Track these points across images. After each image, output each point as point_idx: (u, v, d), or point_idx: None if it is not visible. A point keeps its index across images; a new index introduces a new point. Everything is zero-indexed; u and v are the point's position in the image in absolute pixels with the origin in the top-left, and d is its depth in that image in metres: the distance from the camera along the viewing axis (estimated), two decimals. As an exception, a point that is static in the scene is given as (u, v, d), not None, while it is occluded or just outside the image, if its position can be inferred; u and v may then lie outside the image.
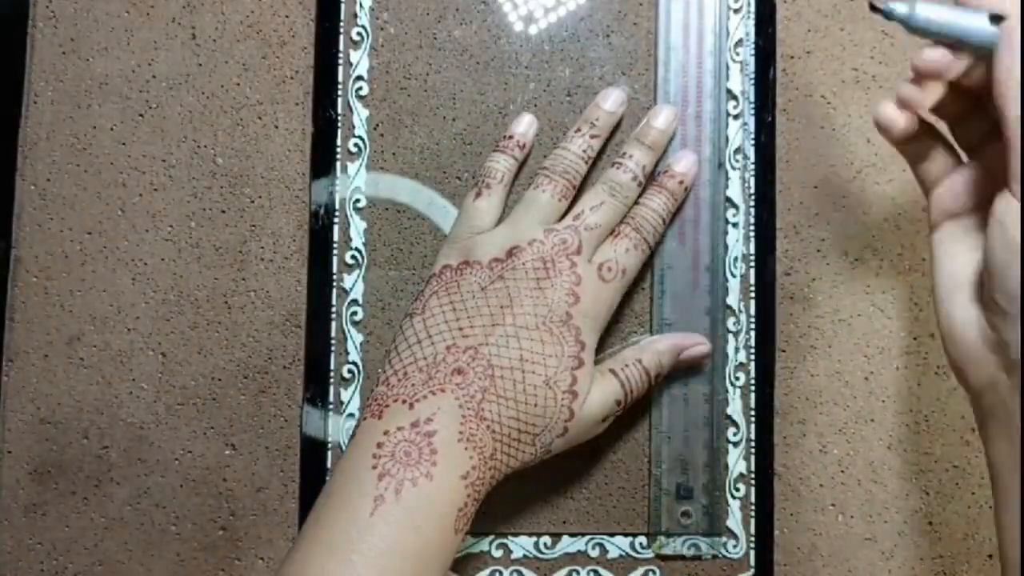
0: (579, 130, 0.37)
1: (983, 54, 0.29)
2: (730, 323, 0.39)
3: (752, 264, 0.39)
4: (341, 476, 0.31)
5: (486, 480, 0.32)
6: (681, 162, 0.38)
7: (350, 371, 0.38)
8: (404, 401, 0.32)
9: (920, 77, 0.30)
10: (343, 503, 0.30)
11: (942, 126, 0.32)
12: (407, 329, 0.34)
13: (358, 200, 0.38)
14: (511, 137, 0.38)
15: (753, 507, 0.38)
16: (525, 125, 0.38)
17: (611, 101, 0.38)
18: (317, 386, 0.38)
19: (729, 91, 0.39)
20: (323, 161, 0.38)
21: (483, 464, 0.32)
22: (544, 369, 0.33)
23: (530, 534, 0.38)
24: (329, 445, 0.37)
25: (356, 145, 0.38)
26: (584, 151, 0.37)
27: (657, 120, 0.38)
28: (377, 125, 0.39)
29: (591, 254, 0.35)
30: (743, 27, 0.39)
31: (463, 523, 0.31)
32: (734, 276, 0.39)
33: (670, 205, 0.37)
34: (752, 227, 0.39)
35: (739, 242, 0.39)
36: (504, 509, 0.38)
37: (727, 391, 0.38)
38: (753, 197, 0.39)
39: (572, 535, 0.38)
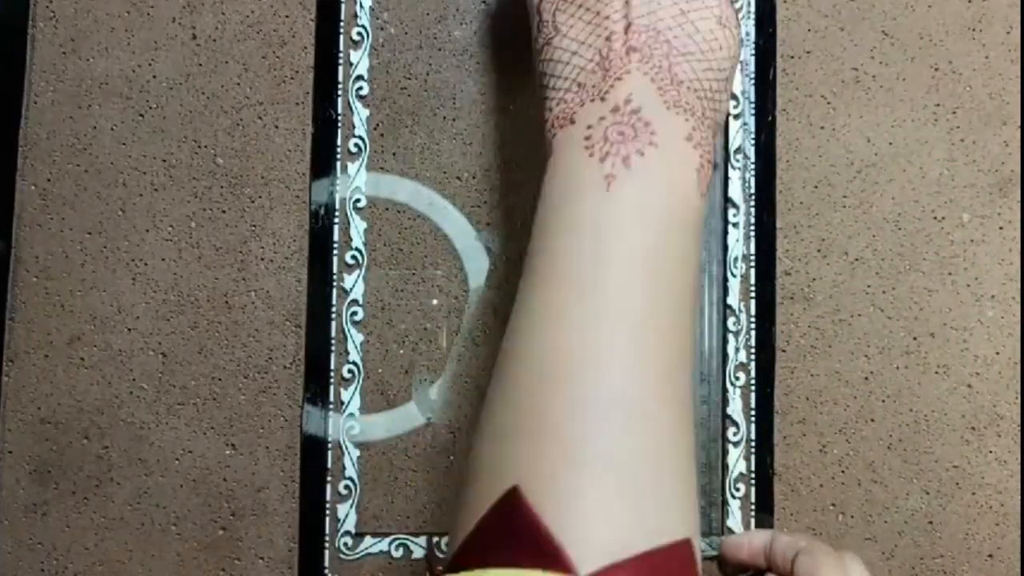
0: None
1: None
2: (730, 323, 0.39)
3: (752, 264, 0.39)
4: (559, 185, 0.29)
5: (708, 140, 0.29)
6: None
7: (350, 371, 0.38)
8: (592, 99, 0.29)
9: None
10: (573, 200, 0.27)
11: None
12: (548, 56, 0.31)
13: (358, 200, 0.38)
14: None
15: (753, 507, 0.38)
16: None
17: None
18: (317, 386, 0.38)
19: (729, 91, 0.39)
20: (323, 161, 0.38)
21: (701, 124, 0.29)
22: (709, 10, 0.30)
23: (530, 534, 0.38)
24: (329, 445, 0.38)
25: (356, 145, 0.38)
26: None
27: None
28: (377, 125, 0.39)
29: None
30: (743, 27, 0.39)
31: (705, 185, 0.29)
32: (734, 276, 0.39)
33: None
34: (752, 227, 0.39)
35: (739, 242, 0.39)
36: (504, 509, 0.38)
37: (727, 391, 0.38)
38: (753, 197, 0.39)
39: (572, 535, 0.38)
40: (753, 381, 0.39)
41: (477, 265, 0.39)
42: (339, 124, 0.38)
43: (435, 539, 0.38)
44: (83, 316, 0.38)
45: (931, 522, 0.39)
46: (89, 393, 0.38)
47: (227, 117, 0.38)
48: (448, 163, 0.39)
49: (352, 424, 0.38)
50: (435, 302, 0.38)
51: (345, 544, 0.37)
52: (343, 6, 0.39)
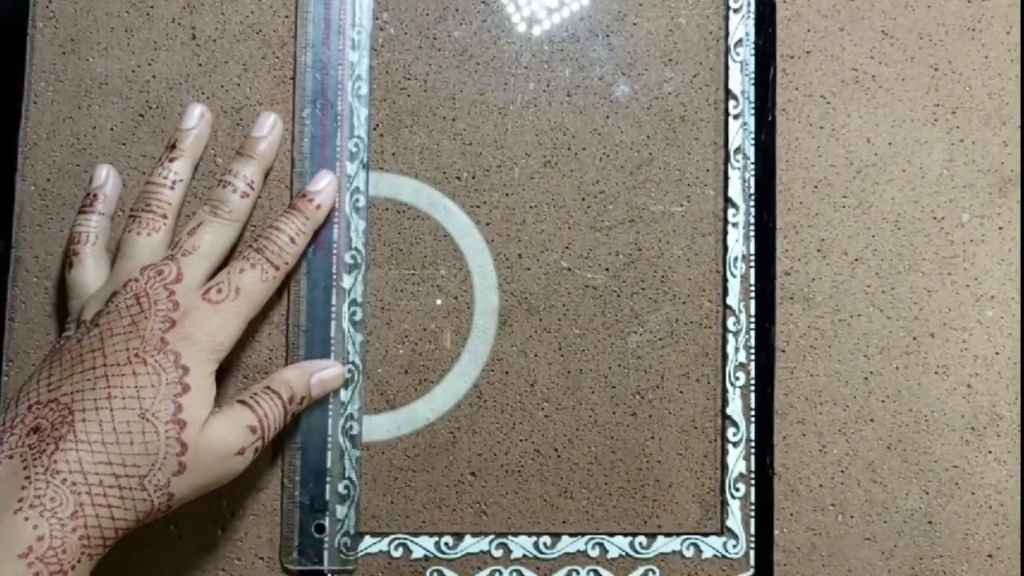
0: (159, 158, 0.37)
1: None
2: (730, 323, 0.39)
3: (752, 264, 0.39)
4: None
5: (73, 546, 0.28)
6: (316, 182, 0.37)
7: (350, 371, 0.38)
8: None
9: None
10: None
11: None
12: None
13: (358, 200, 0.38)
14: (89, 194, 0.37)
15: (753, 507, 0.38)
16: (102, 178, 0.37)
17: (192, 118, 0.37)
18: (317, 386, 0.38)
19: (729, 91, 0.39)
20: (322, 161, 0.38)
21: (62, 527, 0.28)
22: (138, 402, 0.30)
23: (530, 534, 0.38)
24: (329, 445, 0.37)
25: (356, 145, 0.38)
26: (167, 177, 0.36)
27: (257, 129, 0.37)
28: (377, 125, 0.39)
29: (198, 279, 0.34)
30: (743, 27, 0.39)
31: None
32: (734, 276, 0.39)
33: (301, 225, 0.36)
34: (752, 227, 0.39)
35: (739, 242, 0.39)
36: (504, 509, 0.38)
37: (727, 391, 0.38)
38: (753, 197, 0.39)
39: (572, 535, 0.38)
40: (753, 381, 0.39)
41: (480, 265, 0.39)
42: (339, 124, 0.38)
43: (438, 539, 0.38)
44: (83, 316, 0.38)
45: (931, 522, 0.39)
46: (89, 393, 0.38)
47: (227, 117, 0.38)
48: (448, 163, 0.39)
49: (352, 424, 0.38)
50: (439, 302, 0.38)
51: (345, 544, 0.37)
52: (341, 6, 0.39)
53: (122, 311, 0.32)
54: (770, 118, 0.39)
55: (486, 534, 0.38)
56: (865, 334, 0.39)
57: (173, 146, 0.37)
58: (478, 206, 0.39)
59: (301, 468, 0.37)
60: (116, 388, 0.30)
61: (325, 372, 0.37)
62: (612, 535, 0.38)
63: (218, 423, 0.32)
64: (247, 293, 0.34)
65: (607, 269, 0.39)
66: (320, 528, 0.37)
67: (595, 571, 0.38)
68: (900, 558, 0.39)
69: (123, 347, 0.31)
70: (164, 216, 0.36)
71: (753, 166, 0.39)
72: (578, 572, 0.38)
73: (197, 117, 0.37)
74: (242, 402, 0.33)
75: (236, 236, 0.36)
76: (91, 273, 0.35)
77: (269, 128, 0.37)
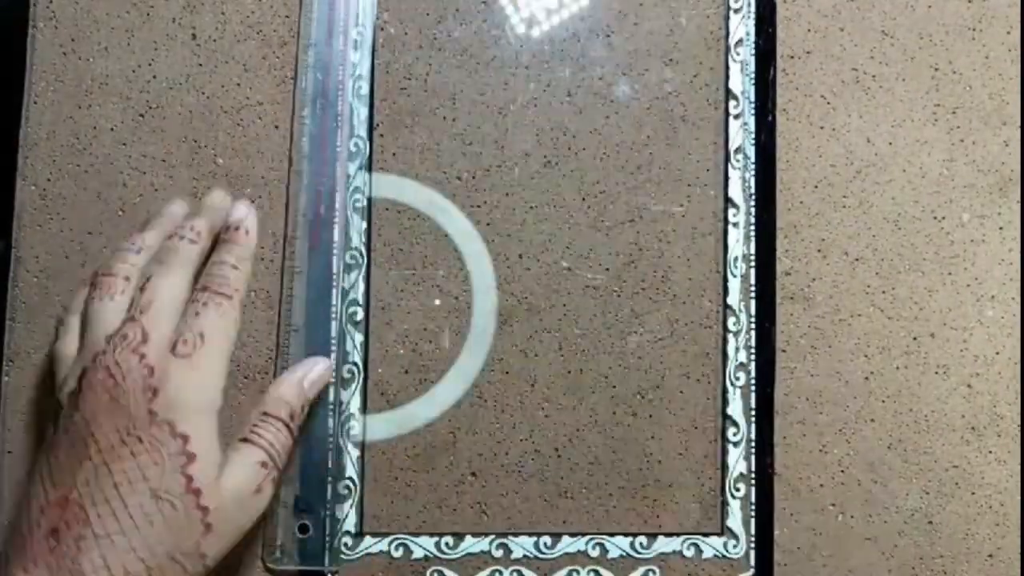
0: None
1: None
2: (730, 323, 0.39)
3: (752, 264, 0.39)
4: None
5: None
6: (234, 212, 0.36)
7: (350, 371, 0.38)
8: None
9: None
10: None
11: None
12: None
13: (357, 200, 0.38)
14: (98, 273, 0.35)
15: (753, 507, 0.38)
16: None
17: (174, 212, 0.37)
18: (317, 386, 0.38)
19: (729, 91, 0.39)
20: (323, 161, 0.38)
21: None
22: (146, 484, 0.29)
23: (530, 534, 0.38)
24: (329, 445, 0.38)
25: (356, 145, 0.38)
26: (134, 243, 0.35)
27: (210, 199, 0.37)
28: (377, 125, 0.39)
29: (163, 332, 0.32)
30: (743, 27, 0.39)
31: None
32: (734, 276, 0.39)
33: (240, 251, 0.35)
34: (752, 227, 0.39)
35: (739, 242, 0.39)
36: (504, 509, 0.38)
37: (727, 391, 0.38)
38: (753, 197, 0.39)
39: (572, 535, 0.38)
40: (753, 381, 0.39)
41: (479, 265, 0.39)
42: (339, 124, 0.38)
43: (438, 539, 0.38)
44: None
45: (931, 522, 0.39)
46: (89, 393, 0.38)
47: (227, 117, 0.38)
48: (448, 163, 0.39)
49: (352, 424, 0.38)
50: (437, 302, 0.38)
51: (345, 544, 0.37)
52: (343, 6, 0.39)
53: (97, 390, 0.30)
54: (770, 118, 0.39)
55: (486, 534, 0.38)
56: (865, 334, 0.39)
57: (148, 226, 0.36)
58: (478, 206, 0.39)
59: (301, 468, 0.37)
60: (119, 474, 0.29)
61: (312, 373, 0.36)
62: (612, 535, 0.38)
63: (230, 473, 0.31)
64: (212, 334, 0.32)
65: (607, 269, 0.39)
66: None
67: (595, 571, 0.38)
68: (900, 558, 0.39)
69: (111, 428, 0.30)
70: (126, 278, 0.33)
71: (753, 166, 0.39)
72: (578, 572, 0.38)
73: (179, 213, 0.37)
74: (244, 440, 0.33)
75: (191, 281, 0.34)
76: (76, 345, 0.34)
77: (244, 213, 0.36)
